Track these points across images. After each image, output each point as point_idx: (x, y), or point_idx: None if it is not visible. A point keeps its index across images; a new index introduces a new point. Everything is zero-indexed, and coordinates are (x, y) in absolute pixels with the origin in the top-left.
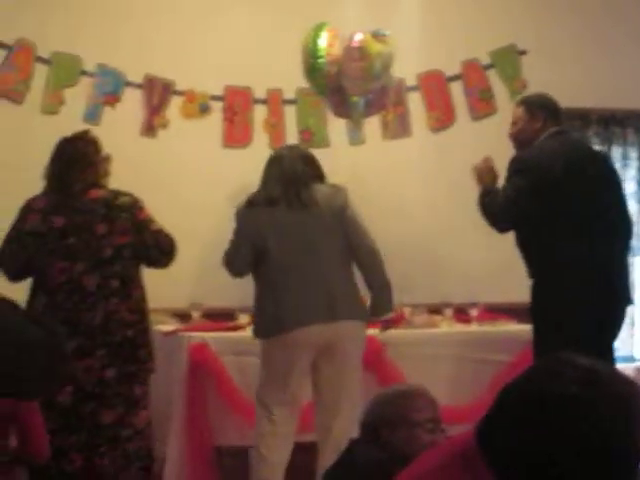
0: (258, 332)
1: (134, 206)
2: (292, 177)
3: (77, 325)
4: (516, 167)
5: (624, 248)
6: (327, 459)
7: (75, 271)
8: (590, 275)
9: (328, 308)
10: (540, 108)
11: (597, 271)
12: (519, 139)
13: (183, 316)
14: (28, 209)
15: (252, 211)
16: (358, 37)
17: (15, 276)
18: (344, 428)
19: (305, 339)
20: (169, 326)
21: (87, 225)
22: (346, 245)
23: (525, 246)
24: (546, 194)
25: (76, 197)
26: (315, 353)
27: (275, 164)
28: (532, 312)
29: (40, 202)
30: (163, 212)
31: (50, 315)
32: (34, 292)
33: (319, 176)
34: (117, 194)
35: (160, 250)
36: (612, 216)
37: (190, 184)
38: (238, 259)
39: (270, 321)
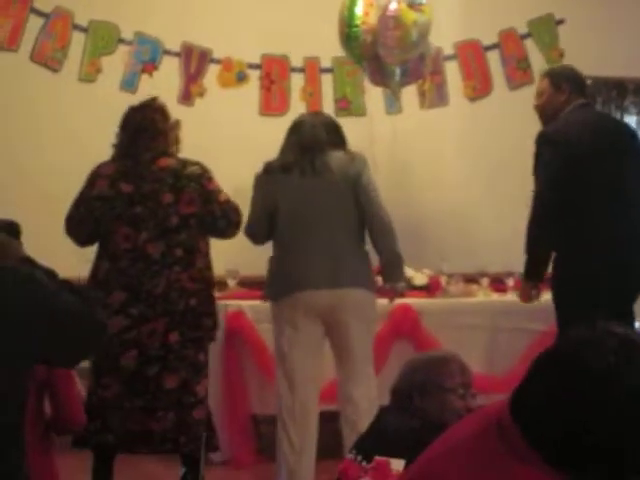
0: (266, 294)
1: (202, 176)
2: (309, 144)
3: (139, 292)
4: (543, 141)
5: None
6: (348, 428)
7: (140, 239)
8: (616, 246)
9: (333, 274)
10: (565, 81)
11: (623, 242)
12: (544, 111)
13: (220, 284)
14: (96, 175)
15: (268, 177)
16: (393, 6)
17: (83, 241)
18: (362, 395)
19: (309, 302)
20: None
21: (154, 194)
22: (358, 214)
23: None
24: (574, 167)
25: (145, 165)
26: (322, 320)
27: (295, 130)
28: (558, 284)
29: (108, 169)
30: None
31: (112, 281)
32: (98, 257)
33: (340, 144)
34: (186, 163)
35: (228, 221)
36: (637, 188)
37: (227, 152)
38: (259, 228)
39: (278, 284)
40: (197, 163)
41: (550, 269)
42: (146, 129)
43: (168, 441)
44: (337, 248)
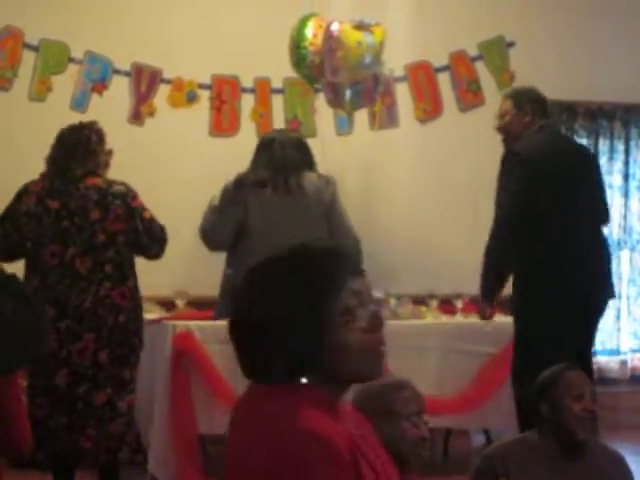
0: (221, 313)
1: (127, 194)
2: (281, 162)
3: (66, 308)
4: (513, 160)
5: (604, 237)
6: None
7: (68, 254)
8: (574, 262)
9: None
10: (528, 102)
11: (581, 259)
12: (507, 132)
13: (168, 304)
14: (24, 191)
15: (239, 189)
16: (335, 26)
17: (7, 257)
18: None
19: None
20: (154, 314)
21: (81, 210)
22: (328, 237)
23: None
24: (543, 185)
25: (73, 182)
26: None
27: (266, 147)
28: (517, 299)
29: (37, 185)
30: (150, 199)
31: (41, 297)
32: (27, 273)
33: (309, 163)
34: (112, 182)
35: (150, 237)
36: (594, 206)
37: (177, 173)
38: (220, 233)
39: None
40: (123, 183)
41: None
42: (80, 147)
43: (91, 458)
44: None
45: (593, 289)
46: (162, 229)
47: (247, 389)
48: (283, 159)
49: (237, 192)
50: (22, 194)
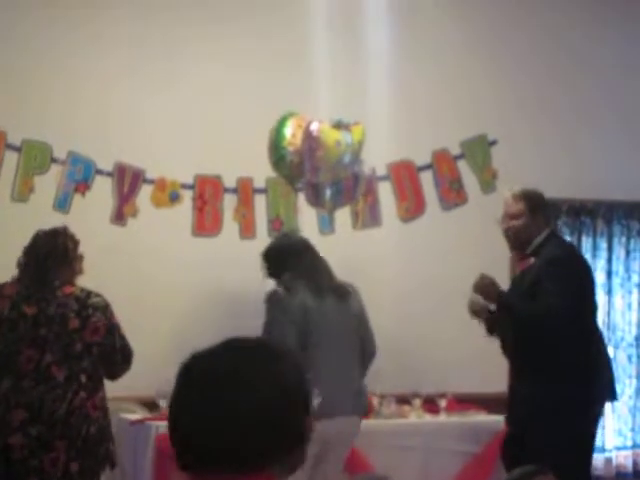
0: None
1: (107, 309)
2: (321, 269)
3: (40, 413)
4: (569, 267)
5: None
6: None
7: (44, 361)
8: (602, 363)
9: (357, 401)
10: (541, 206)
11: (596, 368)
12: (518, 235)
13: (150, 405)
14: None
15: (297, 296)
16: (315, 126)
17: None
18: None
19: (334, 430)
20: (136, 415)
21: (60, 318)
22: (361, 343)
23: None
24: (588, 295)
25: (50, 289)
26: (322, 445)
27: (302, 253)
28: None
29: (11, 289)
30: (132, 299)
31: (13, 399)
32: None
33: None
34: (89, 293)
35: (124, 356)
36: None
37: (159, 272)
38: (292, 343)
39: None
40: (100, 295)
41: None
42: (57, 254)
43: None
44: (356, 375)
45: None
46: (131, 351)
47: None
48: (323, 266)
49: (295, 299)
50: None
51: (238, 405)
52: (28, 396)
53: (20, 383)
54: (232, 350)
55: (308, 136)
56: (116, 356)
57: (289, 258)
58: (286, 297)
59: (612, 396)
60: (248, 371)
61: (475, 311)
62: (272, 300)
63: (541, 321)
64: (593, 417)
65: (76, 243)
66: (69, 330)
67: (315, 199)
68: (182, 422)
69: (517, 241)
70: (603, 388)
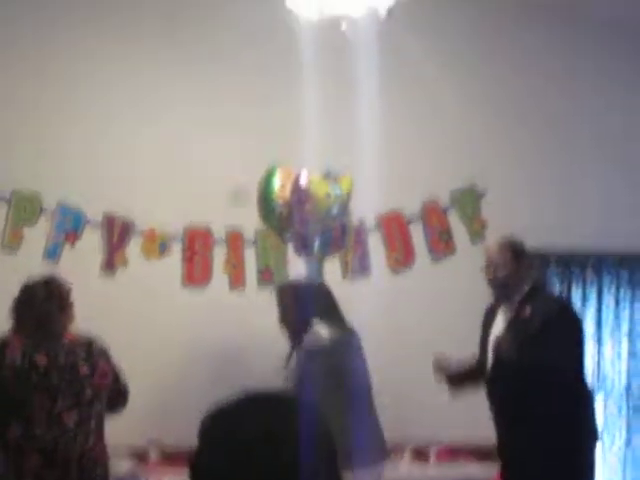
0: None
1: (108, 353)
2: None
3: (54, 458)
4: (572, 321)
5: None
6: None
7: (56, 408)
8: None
9: (377, 450)
10: (525, 255)
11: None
12: (503, 283)
13: (139, 455)
14: (5, 344)
15: (333, 348)
16: (304, 178)
17: None
18: None
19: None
20: (125, 465)
21: (70, 366)
22: None
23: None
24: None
25: (57, 338)
26: None
27: (325, 296)
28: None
29: (18, 339)
30: (122, 349)
31: (26, 445)
32: (7, 421)
33: None
34: (90, 338)
35: (125, 399)
36: None
37: (149, 323)
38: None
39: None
40: (98, 339)
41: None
42: (55, 302)
43: None
44: (378, 425)
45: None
46: (129, 391)
47: None
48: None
49: (334, 350)
50: (3, 347)
51: (272, 463)
52: (42, 442)
53: (32, 429)
54: (259, 407)
55: (297, 188)
56: (120, 399)
57: (316, 303)
58: (327, 350)
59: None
60: (279, 428)
61: (441, 367)
62: (315, 353)
63: (545, 374)
64: (589, 451)
65: (69, 290)
66: (80, 377)
67: (303, 249)
68: None
69: (500, 290)
70: (593, 429)
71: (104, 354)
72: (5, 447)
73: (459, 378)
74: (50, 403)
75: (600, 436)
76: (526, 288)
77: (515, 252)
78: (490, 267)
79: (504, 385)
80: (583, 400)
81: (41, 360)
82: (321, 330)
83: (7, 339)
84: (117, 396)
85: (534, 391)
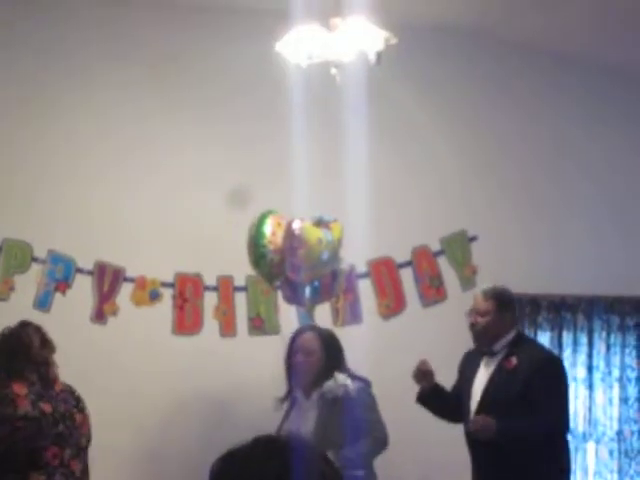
0: None
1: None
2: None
3: None
4: (560, 371)
5: None
6: None
7: (65, 456)
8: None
9: None
10: (509, 305)
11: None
12: (486, 332)
13: None
14: (14, 395)
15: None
16: (297, 224)
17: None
18: None
19: None
20: None
21: (69, 414)
22: None
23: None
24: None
25: (51, 385)
26: None
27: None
28: None
29: (20, 388)
30: (113, 396)
31: None
32: (25, 474)
33: None
34: (69, 386)
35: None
36: None
37: (140, 370)
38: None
39: None
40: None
41: None
42: (49, 348)
43: None
44: None
45: None
46: None
47: None
48: None
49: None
50: (13, 398)
51: None
52: None
53: (51, 477)
54: (270, 452)
55: (290, 234)
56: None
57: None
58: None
59: None
60: (289, 474)
61: (423, 372)
62: (369, 396)
63: (541, 433)
64: None
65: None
66: (76, 425)
67: (293, 297)
68: None
69: (482, 337)
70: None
71: (83, 402)
72: None
73: (435, 393)
74: (61, 452)
75: None
76: (510, 337)
77: (499, 300)
78: (472, 312)
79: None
80: (562, 454)
81: (47, 409)
82: (340, 378)
83: (13, 390)
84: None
85: (515, 447)
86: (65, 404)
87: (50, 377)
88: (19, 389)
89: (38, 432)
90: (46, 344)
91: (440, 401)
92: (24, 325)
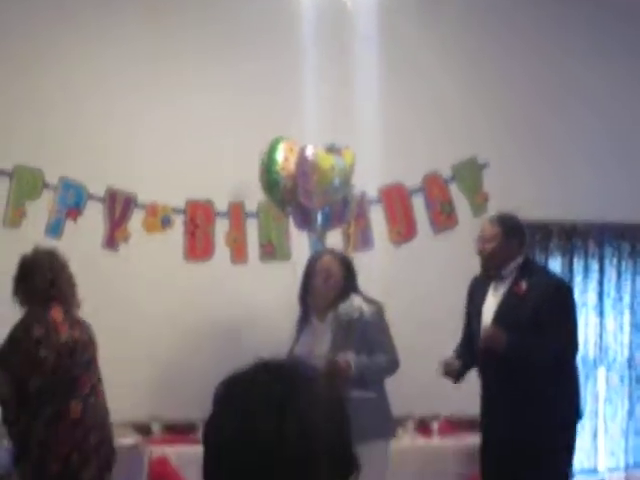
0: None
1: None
2: None
3: (109, 431)
4: (569, 298)
5: None
6: None
7: (92, 381)
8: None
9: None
10: (516, 231)
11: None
12: (492, 257)
13: (143, 429)
14: (55, 323)
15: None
16: (310, 151)
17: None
18: None
19: None
20: (129, 439)
21: (89, 342)
22: None
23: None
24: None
25: (76, 310)
26: None
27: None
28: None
29: (58, 314)
30: (124, 324)
31: (89, 418)
32: (66, 400)
33: None
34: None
35: None
36: None
37: (151, 298)
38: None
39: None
40: None
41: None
42: (66, 271)
43: None
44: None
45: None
46: None
47: None
48: None
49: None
50: (56, 325)
51: (279, 429)
52: (99, 417)
53: (88, 400)
54: (271, 374)
55: (303, 161)
56: None
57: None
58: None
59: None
60: (289, 396)
61: (448, 372)
62: (383, 320)
63: (550, 356)
64: (574, 432)
65: None
66: (95, 353)
67: (305, 223)
68: (232, 450)
69: (489, 263)
70: (580, 406)
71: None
72: (70, 424)
73: (461, 373)
74: (90, 379)
75: (583, 415)
76: (518, 262)
77: (505, 227)
78: (480, 239)
79: (496, 361)
80: (571, 380)
81: (77, 335)
82: (356, 301)
83: (50, 316)
84: None
85: (525, 369)
86: (84, 331)
87: (69, 300)
88: (57, 314)
89: (73, 360)
90: (60, 266)
91: (466, 368)
92: (46, 249)
